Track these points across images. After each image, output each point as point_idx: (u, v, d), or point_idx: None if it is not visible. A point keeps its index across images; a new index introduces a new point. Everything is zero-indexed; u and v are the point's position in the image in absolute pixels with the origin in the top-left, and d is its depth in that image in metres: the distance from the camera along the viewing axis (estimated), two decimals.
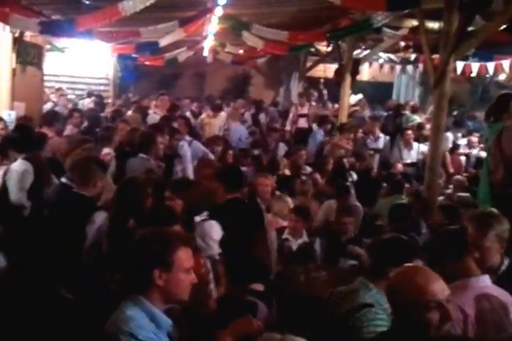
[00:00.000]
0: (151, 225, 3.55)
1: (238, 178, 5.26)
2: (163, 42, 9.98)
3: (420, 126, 10.78)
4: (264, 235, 4.98)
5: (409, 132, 10.25)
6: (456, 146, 10.73)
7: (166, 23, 9.01)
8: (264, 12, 10.68)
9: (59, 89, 13.79)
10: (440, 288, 2.58)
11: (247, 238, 4.54)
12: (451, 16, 6.84)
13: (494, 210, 3.75)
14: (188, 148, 7.97)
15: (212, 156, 8.53)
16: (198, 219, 4.72)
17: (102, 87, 15.98)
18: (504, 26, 7.61)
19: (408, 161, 10.03)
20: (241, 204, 5.08)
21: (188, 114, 13.08)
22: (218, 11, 9.16)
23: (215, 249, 4.44)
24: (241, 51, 13.66)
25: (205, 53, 14.21)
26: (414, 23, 9.50)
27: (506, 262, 3.64)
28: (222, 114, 12.38)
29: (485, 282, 3.24)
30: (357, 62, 11.82)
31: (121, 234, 4.10)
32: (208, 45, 12.93)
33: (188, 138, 8.43)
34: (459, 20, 6.77)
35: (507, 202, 5.06)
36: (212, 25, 10.27)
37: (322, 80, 17.28)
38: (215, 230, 4.53)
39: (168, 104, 10.40)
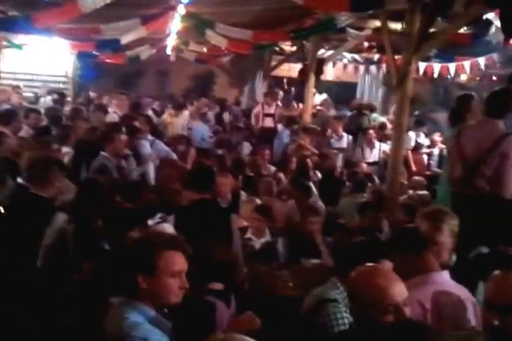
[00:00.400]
0: (119, 226, 3.53)
1: (207, 179, 5.17)
2: (125, 39, 9.84)
3: (383, 126, 10.88)
4: (230, 236, 4.87)
5: (371, 131, 10.35)
6: (418, 145, 10.84)
7: (128, 20, 8.90)
8: (228, 11, 10.61)
9: (16, 87, 13.48)
10: (399, 291, 2.58)
11: (212, 239, 4.41)
12: (414, 18, 6.94)
13: (443, 207, 3.87)
14: (149, 147, 7.89)
15: (174, 156, 8.49)
16: (150, 222, 4.63)
17: (61, 85, 15.67)
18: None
19: (370, 160, 10.12)
20: (207, 205, 4.99)
21: (150, 112, 12.97)
22: (181, 9, 9.08)
23: None
24: (205, 49, 13.56)
25: (168, 51, 14.10)
26: (378, 23, 9.51)
27: (454, 257, 3.74)
28: (185, 113, 12.30)
29: (444, 277, 3.33)
30: (321, 62, 11.88)
31: (88, 235, 4.03)
32: (171, 43, 12.83)
33: (150, 137, 8.34)
34: (420, 21, 6.87)
35: (464, 201, 5.18)
36: (175, 24, 10.17)
37: (285, 80, 17.32)
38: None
39: (127, 103, 10.27)
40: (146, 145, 7.89)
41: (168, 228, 4.41)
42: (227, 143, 10.57)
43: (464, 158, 5.24)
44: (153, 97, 16.08)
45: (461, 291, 3.31)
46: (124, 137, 6.81)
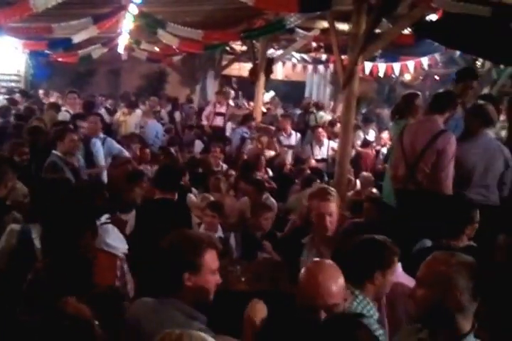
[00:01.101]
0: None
1: (171, 179, 5.25)
2: (77, 38, 9.82)
3: (332, 123, 11.13)
4: None
5: (320, 130, 10.53)
6: (367, 143, 11.10)
7: (80, 19, 8.90)
8: (180, 10, 10.70)
9: None
10: (337, 289, 2.62)
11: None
12: (360, 19, 7.13)
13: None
14: (100, 146, 7.88)
15: (127, 154, 8.49)
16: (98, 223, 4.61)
17: (12, 84, 15.50)
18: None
19: (319, 157, 10.32)
20: (168, 203, 5.08)
21: (102, 111, 12.94)
22: (133, 9, 9.12)
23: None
24: (157, 49, 13.60)
25: (120, 50, 14.07)
26: (325, 24, 9.72)
27: None
28: (138, 112, 12.32)
29: (398, 270, 3.41)
30: (271, 62, 12.09)
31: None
32: (122, 42, 12.80)
33: (102, 135, 8.34)
34: (366, 22, 7.05)
35: (408, 197, 5.32)
36: (127, 23, 10.20)
37: (234, 79, 17.47)
38: (108, 235, 4.40)
39: (77, 101, 10.22)
40: (97, 144, 7.89)
41: (112, 229, 4.42)
42: (178, 141, 10.65)
43: (406, 155, 5.34)
44: (105, 96, 16.02)
45: (411, 282, 3.33)
46: (75, 136, 6.77)
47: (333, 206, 3.90)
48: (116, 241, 4.38)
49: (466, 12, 6.24)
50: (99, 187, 6.00)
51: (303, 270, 2.72)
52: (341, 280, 2.64)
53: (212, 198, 6.72)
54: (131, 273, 4.35)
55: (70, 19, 8.82)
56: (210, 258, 2.75)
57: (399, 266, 3.45)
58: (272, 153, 10.16)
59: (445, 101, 5.31)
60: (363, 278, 3.08)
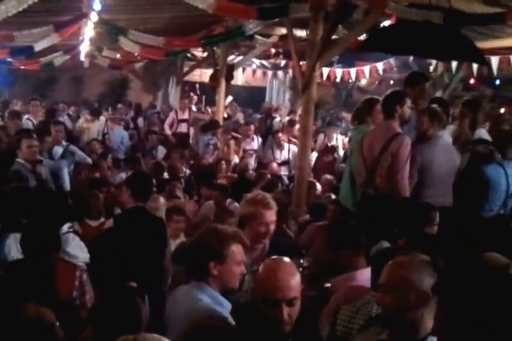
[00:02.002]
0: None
1: (145, 186, 5.23)
2: (39, 46, 9.83)
3: (292, 124, 11.27)
4: (163, 242, 4.94)
5: (280, 134, 10.68)
6: (329, 146, 11.22)
7: (41, 27, 8.93)
8: (140, 17, 10.81)
9: None
10: (296, 283, 2.71)
11: (147, 246, 4.53)
12: (317, 26, 7.25)
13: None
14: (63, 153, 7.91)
15: (90, 161, 8.52)
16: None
17: None
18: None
19: (280, 161, 10.45)
20: (143, 212, 5.05)
21: (65, 118, 12.94)
22: (94, 16, 9.18)
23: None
24: (118, 56, 13.66)
25: (82, 58, 14.08)
26: (284, 31, 9.85)
27: None
28: (101, 118, 12.36)
29: (367, 275, 3.47)
30: (231, 68, 12.27)
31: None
32: (84, 49, 12.83)
33: (64, 143, 8.34)
34: (323, 29, 7.18)
35: (368, 201, 5.42)
36: (88, 30, 10.26)
37: (197, 85, 17.58)
38: (69, 244, 4.39)
39: (40, 109, 10.19)
40: (59, 151, 7.91)
41: (73, 239, 4.41)
42: (141, 147, 10.70)
43: (365, 160, 5.43)
44: (68, 103, 15.98)
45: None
46: (35, 143, 6.71)
47: (274, 214, 3.88)
48: (76, 250, 4.37)
49: (419, 18, 6.45)
50: (62, 195, 6.08)
51: (262, 267, 2.80)
52: (298, 276, 2.74)
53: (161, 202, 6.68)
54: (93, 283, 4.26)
55: (31, 27, 8.84)
56: (236, 251, 3.08)
57: (368, 271, 3.49)
58: (236, 158, 10.33)
59: (391, 105, 5.39)
60: None
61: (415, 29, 6.16)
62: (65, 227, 4.49)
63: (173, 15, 10.58)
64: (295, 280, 2.70)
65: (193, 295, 3.02)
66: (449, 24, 6.28)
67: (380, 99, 6.04)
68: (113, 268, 3.70)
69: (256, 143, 11.16)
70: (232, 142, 10.64)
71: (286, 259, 2.83)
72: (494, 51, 9.70)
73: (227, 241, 3.08)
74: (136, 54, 11.77)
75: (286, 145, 10.55)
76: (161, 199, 6.34)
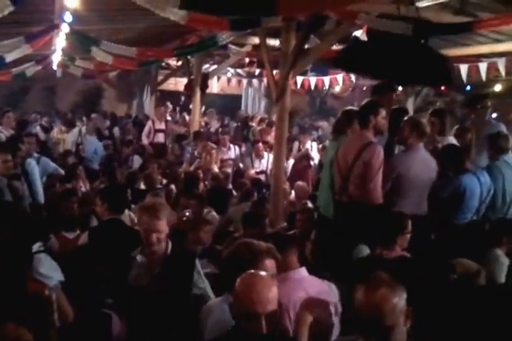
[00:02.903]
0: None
1: (121, 198, 5.25)
2: (10, 57, 9.74)
3: (270, 123, 11.30)
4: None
5: (260, 144, 10.74)
6: (302, 154, 11.25)
7: (12, 38, 8.88)
8: (113, 28, 10.78)
9: None
10: (274, 296, 2.73)
11: (123, 259, 4.42)
12: (289, 36, 7.35)
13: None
14: (35, 165, 7.80)
15: (62, 172, 8.49)
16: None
17: None
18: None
19: (258, 170, 10.54)
20: (119, 225, 5.06)
21: (37, 128, 12.86)
22: (65, 28, 9.13)
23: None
24: (92, 66, 13.59)
25: (55, 67, 13.99)
26: (257, 40, 9.84)
27: None
28: (75, 129, 12.30)
29: (302, 274, 3.65)
30: (206, 77, 12.30)
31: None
32: (56, 59, 12.75)
33: (36, 155, 8.27)
34: (296, 39, 7.26)
35: (343, 209, 5.50)
36: (60, 41, 10.20)
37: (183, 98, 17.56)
38: (42, 264, 4.24)
39: (12, 120, 10.08)
40: (31, 163, 7.85)
41: (45, 258, 4.28)
42: (116, 157, 10.66)
43: (340, 169, 5.51)
44: (41, 113, 15.87)
45: (318, 287, 3.62)
46: (9, 157, 6.66)
47: (161, 224, 3.85)
48: (50, 270, 4.20)
49: (388, 29, 6.55)
50: (37, 208, 6.03)
51: (240, 281, 2.79)
52: (275, 289, 2.77)
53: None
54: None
55: (2, 38, 8.79)
56: (268, 265, 3.14)
57: (303, 270, 3.66)
58: (215, 167, 10.35)
59: (365, 115, 5.47)
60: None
61: (385, 48, 6.21)
62: (36, 246, 4.35)
63: (146, 25, 10.55)
64: (273, 293, 2.72)
65: (223, 308, 3.16)
66: (420, 40, 6.36)
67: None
68: (89, 285, 3.71)
69: (233, 152, 11.19)
70: (214, 151, 10.65)
71: (263, 273, 2.85)
72: (463, 59, 9.90)
73: (260, 256, 3.15)
74: (108, 64, 11.70)
75: (265, 154, 10.59)
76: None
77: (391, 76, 5.71)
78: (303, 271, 3.70)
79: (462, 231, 5.41)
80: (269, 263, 3.17)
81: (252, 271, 2.88)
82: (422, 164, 5.48)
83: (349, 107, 6.49)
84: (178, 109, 16.27)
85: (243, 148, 11.88)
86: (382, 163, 5.25)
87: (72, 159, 9.88)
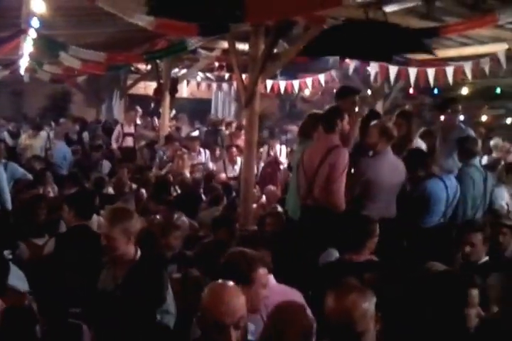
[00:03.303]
0: None
1: (88, 204, 5.22)
2: None
3: (239, 127, 11.28)
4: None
5: (234, 149, 10.71)
6: (271, 158, 11.26)
7: None
8: (81, 33, 10.70)
9: None
10: (241, 305, 2.74)
11: (91, 266, 4.42)
12: (258, 41, 7.32)
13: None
14: (3, 171, 7.71)
15: (30, 177, 8.40)
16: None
17: None
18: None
19: (231, 175, 10.53)
20: (86, 231, 5.04)
21: (5, 134, 12.69)
22: (32, 33, 9.04)
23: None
24: (60, 70, 13.46)
25: (22, 72, 13.82)
26: (227, 44, 9.97)
27: None
28: (43, 134, 12.17)
29: (270, 282, 3.55)
30: (175, 81, 12.27)
31: None
32: (24, 64, 12.61)
33: (3, 160, 8.19)
34: (264, 43, 7.25)
35: (308, 212, 5.57)
36: (27, 46, 10.09)
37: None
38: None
39: None
40: (1, 171, 7.74)
41: (12, 267, 4.16)
42: (85, 162, 10.57)
43: (305, 172, 5.57)
44: (8, 118, 15.64)
45: (287, 294, 3.57)
46: None
47: (113, 231, 3.77)
48: (15, 280, 4.12)
49: None
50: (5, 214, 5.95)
51: (207, 292, 2.78)
52: (242, 297, 2.76)
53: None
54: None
55: None
56: (262, 274, 3.18)
57: (270, 277, 3.57)
58: (187, 171, 10.32)
59: (331, 119, 5.54)
60: None
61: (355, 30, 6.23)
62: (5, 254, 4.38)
63: (115, 29, 10.49)
64: (241, 303, 2.72)
65: None
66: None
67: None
68: (57, 294, 3.67)
69: (203, 156, 11.18)
70: (186, 156, 10.62)
71: (230, 282, 2.84)
72: (430, 62, 10.03)
73: (255, 265, 3.18)
74: (77, 69, 11.59)
75: (239, 159, 10.55)
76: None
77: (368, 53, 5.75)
78: (271, 279, 3.63)
79: (429, 235, 5.48)
80: (263, 271, 3.22)
81: (220, 281, 2.86)
82: (391, 168, 5.55)
83: (314, 111, 6.57)
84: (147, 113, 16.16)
85: (217, 152, 11.87)
86: (346, 166, 5.33)
87: (40, 164, 9.78)
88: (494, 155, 10.76)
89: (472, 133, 6.76)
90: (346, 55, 8.23)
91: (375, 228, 4.57)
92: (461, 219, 5.86)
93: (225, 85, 15.96)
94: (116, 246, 3.76)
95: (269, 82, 12.92)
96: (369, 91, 12.62)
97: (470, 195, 5.92)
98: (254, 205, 8.15)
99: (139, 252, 3.88)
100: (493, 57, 9.13)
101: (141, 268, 3.79)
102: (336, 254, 4.84)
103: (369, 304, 2.77)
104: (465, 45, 9.61)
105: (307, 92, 15.81)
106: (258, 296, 3.18)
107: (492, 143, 11.26)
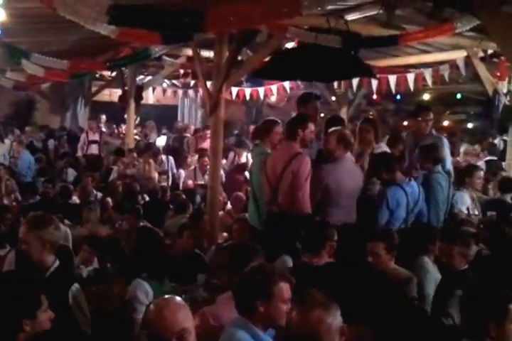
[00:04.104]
0: None
1: None
2: None
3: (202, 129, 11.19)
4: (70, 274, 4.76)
5: (206, 159, 10.56)
6: (237, 165, 11.30)
7: None
8: (45, 40, 10.60)
9: None
10: (181, 318, 2.79)
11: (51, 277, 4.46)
12: (222, 48, 7.35)
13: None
14: None
15: None
16: None
17: None
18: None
19: (199, 182, 10.46)
20: None
21: None
22: None
23: None
24: (23, 77, 13.28)
25: None
26: (191, 52, 10.02)
27: None
28: (7, 142, 12.01)
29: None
30: (140, 88, 12.23)
31: None
32: None
33: None
34: (229, 51, 7.29)
35: (272, 218, 5.65)
36: None
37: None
38: None
39: None
40: None
41: None
42: (50, 171, 10.46)
43: (268, 180, 5.65)
44: None
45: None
46: None
47: (27, 235, 3.77)
48: None
49: (319, 42, 6.70)
50: None
51: (151, 306, 2.85)
52: (185, 311, 2.82)
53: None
54: None
55: None
56: (283, 289, 3.16)
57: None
58: (156, 174, 10.28)
59: (293, 128, 5.65)
60: None
61: (306, 54, 6.37)
62: None
63: (79, 37, 10.41)
64: (180, 315, 2.77)
65: (231, 331, 3.13)
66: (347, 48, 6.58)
67: (279, 121, 6.32)
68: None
69: (166, 163, 11.15)
70: (151, 160, 10.57)
71: (174, 298, 2.92)
72: (392, 69, 10.22)
73: (274, 280, 3.16)
74: (40, 76, 11.47)
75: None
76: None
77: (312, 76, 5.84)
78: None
79: None
80: (285, 286, 3.18)
81: (166, 296, 2.95)
82: (349, 174, 5.66)
83: (271, 118, 6.74)
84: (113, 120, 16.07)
85: (189, 160, 11.78)
86: (309, 173, 5.43)
87: (3, 173, 9.64)
88: (459, 159, 10.99)
89: (445, 141, 6.86)
90: (294, 79, 8.32)
91: (333, 232, 4.66)
92: (436, 224, 5.99)
93: (191, 92, 15.97)
94: (31, 251, 3.75)
95: (234, 89, 13.00)
96: (333, 98, 12.77)
97: (441, 200, 6.04)
98: (221, 212, 8.17)
99: (56, 263, 3.85)
100: (453, 63, 9.35)
101: (49, 279, 3.75)
102: (289, 261, 4.95)
103: (333, 318, 2.81)
104: (425, 52, 9.81)
105: (273, 99, 15.95)
106: (279, 311, 3.15)
107: (462, 149, 11.53)
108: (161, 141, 14.69)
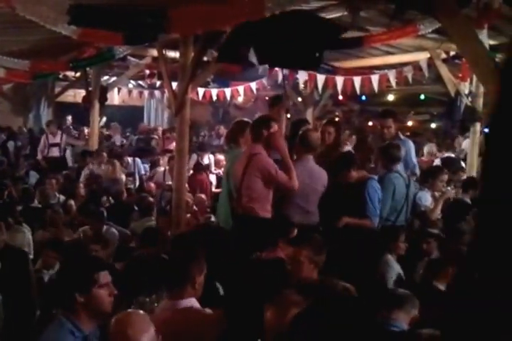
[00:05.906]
0: None
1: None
2: None
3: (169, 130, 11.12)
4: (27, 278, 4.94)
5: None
6: (200, 166, 11.25)
7: None
8: (5, 40, 10.41)
9: None
10: (139, 335, 2.74)
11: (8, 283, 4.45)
12: (187, 49, 7.34)
13: None
14: None
15: None
16: None
17: None
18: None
19: (169, 182, 10.42)
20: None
21: None
22: None
23: None
24: None
25: None
26: (156, 52, 9.94)
27: None
28: None
29: (191, 303, 3.47)
30: (105, 89, 12.07)
31: None
32: None
33: None
34: (194, 52, 7.26)
35: (238, 221, 5.64)
36: None
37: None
38: None
39: None
40: None
41: None
42: (10, 173, 10.28)
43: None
44: None
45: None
46: None
47: None
48: None
49: None
50: None
51: (114, 321, 2.82)
52: (147, 325, 2.78)
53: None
54: None
55: None
56: (101, 276, 3.07)
57: (193, 300, 3.46)
58: (122, 175, 10.16)
59: (258, 129, 5.62)
60: None
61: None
62: None
63: (40, 37, 10.24)
64: (139, 329, 2.73)
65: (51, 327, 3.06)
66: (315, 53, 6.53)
67: (250, 121, 6.23)
68: None
69: (132, 165, 11.05)
70: (116, 161, 10.46)
71: (139, 311, 2.91)
72: (357, 70, 10.30)
73: (92, 270, 3.09)
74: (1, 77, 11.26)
75: None
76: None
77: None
78: (193, 301, 3.49)
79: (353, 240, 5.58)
80: (102, 273, 3.11)
81: (129, 310, 2.98)
82: (310, 176, 5.68)
83: (240, 119, 6.69)
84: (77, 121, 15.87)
85: (161, 161, 11.69)
86: (269, 174, 5.40)
87: None
88: (424, 158, 11.12)
89: (411, 145, 6.94)
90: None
91: (293, 229, 4.76)
92: (383, 223, 5.94)
93: (157, 92, 15.86)
94: None
95: (201, 90, 12.95)
96: (299, 99, 12.82)
97: (389, 200, 6.00)
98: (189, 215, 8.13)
99: None
100: (416, 65, 9.46)
101: None
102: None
103: None
104: (389, 53, 9.90)
105: (240, 99, 15.95)
106: (101, 299, 3.09)
107: (426, 148, 11.66)
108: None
